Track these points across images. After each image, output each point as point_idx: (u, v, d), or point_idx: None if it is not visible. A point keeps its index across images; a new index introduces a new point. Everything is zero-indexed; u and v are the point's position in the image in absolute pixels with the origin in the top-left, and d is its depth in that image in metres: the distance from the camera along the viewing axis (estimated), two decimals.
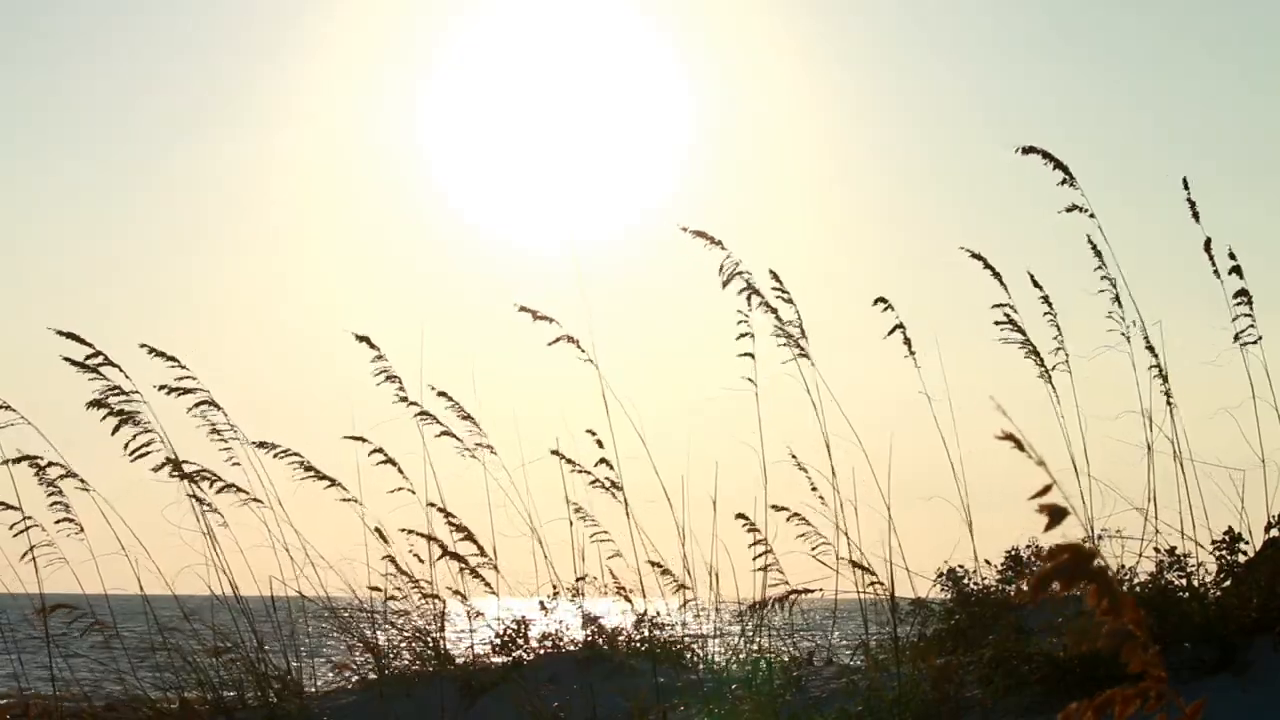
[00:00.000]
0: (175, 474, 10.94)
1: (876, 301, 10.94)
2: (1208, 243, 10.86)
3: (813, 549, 10.47)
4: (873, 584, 10.45)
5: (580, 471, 11.20)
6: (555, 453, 11.26)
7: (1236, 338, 10.80)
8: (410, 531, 11.32)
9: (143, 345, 11.03)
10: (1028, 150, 10.86)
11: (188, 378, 10.99)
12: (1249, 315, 10.81)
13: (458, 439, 11.48)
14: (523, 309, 11.18)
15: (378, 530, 11.32)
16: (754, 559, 10.65)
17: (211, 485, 11.03)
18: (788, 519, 10.58)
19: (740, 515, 10.72)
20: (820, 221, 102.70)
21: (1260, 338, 10.79)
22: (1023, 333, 10.94)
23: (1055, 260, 11.01)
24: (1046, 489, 2.36)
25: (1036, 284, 10.94)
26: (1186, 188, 10.87)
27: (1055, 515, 2.33)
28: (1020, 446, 2.40)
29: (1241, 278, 10.79)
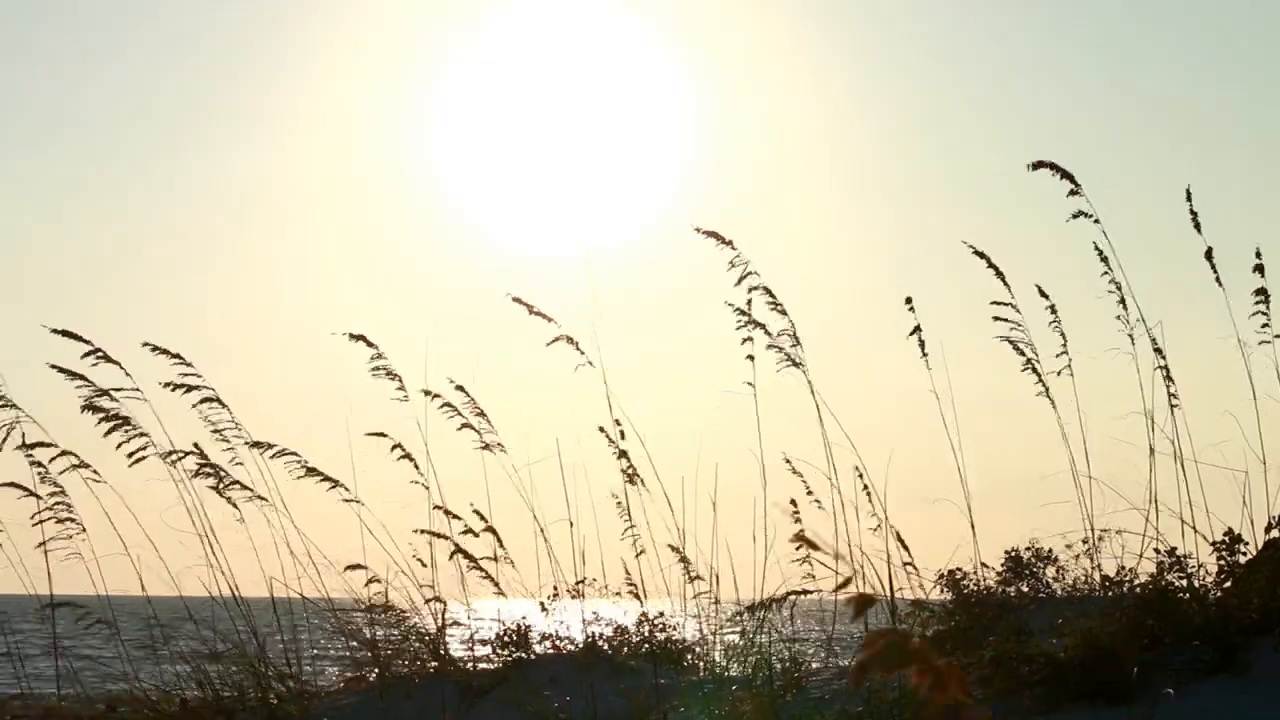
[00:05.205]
0: (201, 467, 10.93)
1: (906, 301, 11.11)
2: (1209, 252, 10.92)
3: (873, 529, 10.62)
4: (906, 565, 10.56)
5: (620, 455, 11.15)
6: (601, 430, 11.19)
7: (1261, 332, 10.84)
8: (423, 531, 11.28)
9: (146, 344, 11.00)
10: (1038, 165, 10.86)
11: (192, 374, 10.96)
12: (1264, 314, 10.85)
13: (477, 431, 11.45)
14: (516, 300, 11.11)
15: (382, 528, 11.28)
16: (796, 549, 10.72)
17: (220, 480, 11.02)
18: (796, 519, 10.73)
19: (792, 501, 10.87)
20: (832, 224, 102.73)
21: (1277, 335, 10.84)
22: (1022, 330, 11.01)
23: (1056, 262, 11.04)
24: (847, 581, 2.38)
25: (1043, 294, 10.99)
26: (1189, 199, 10.91)
27: (861, 605, 2.34)
28: (814, 546, 2.42)
29: (1263, 275, 10.88)
